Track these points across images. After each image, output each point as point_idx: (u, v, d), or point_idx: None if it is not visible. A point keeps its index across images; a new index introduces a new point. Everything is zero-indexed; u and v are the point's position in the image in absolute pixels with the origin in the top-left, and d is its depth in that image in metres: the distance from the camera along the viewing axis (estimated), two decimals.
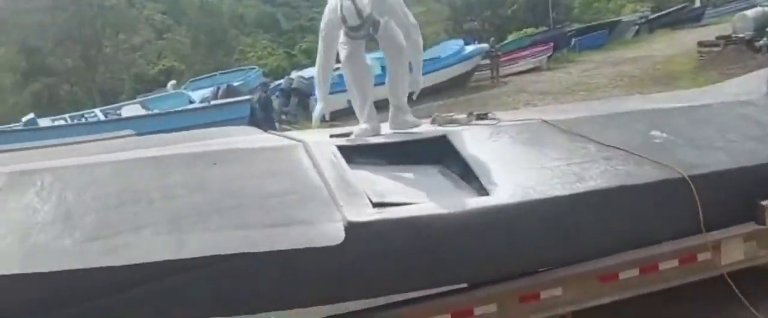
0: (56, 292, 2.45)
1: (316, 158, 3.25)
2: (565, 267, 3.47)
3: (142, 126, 11.71)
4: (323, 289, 2.87)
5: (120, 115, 14.19)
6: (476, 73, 21.69)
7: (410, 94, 4.11)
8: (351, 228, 2.81)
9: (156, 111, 13.69)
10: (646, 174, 3.54)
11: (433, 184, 3.39)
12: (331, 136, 3.61)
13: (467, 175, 3.43)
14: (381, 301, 3.23)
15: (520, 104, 15.63)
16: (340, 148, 3.39)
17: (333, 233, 2.78)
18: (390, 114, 3.97)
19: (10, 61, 36.01)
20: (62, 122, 14.33)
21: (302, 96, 16.61)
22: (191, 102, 15.69)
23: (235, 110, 13.00)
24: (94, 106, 21.37)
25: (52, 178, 2.83)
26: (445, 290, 3.31)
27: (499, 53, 21.75)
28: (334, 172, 3.18)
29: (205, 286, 2.60)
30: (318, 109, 3.99)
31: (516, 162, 3.49)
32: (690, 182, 3.50)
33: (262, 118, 13.33)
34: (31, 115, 14.47)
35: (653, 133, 3.92)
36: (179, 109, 14.03)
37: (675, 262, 3.61)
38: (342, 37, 3.75)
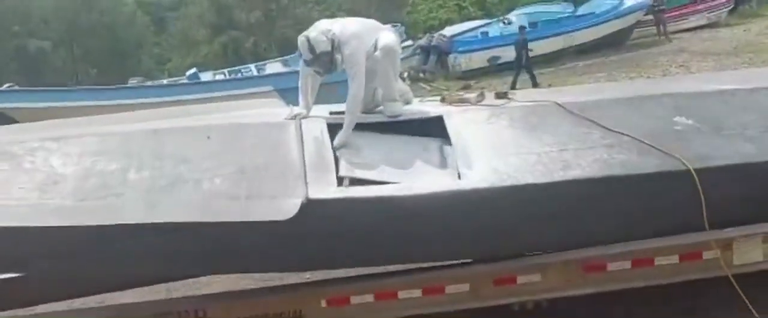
0: (44, 243, 2.98)
1: (304, 135, 3.48)
2: (547, 254, 3.46)
3: (281, 82, 12.56)
4: (279, 258, 3.16)
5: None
6: (639, 29, 20.25)
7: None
8: (309, 204, 3.03)
9: (294, 68, 14.57)
10: (644, 164, 3.35)
11: (415, 166, 3.48)
12: (331, 113, 3.81)
13: (451, 157, 3.48)
14: (350, 272, 3.48)
15: (672, 67, 14.48)
16: (332, 126, 3.58)
17: (288, 208, 3.02)
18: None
19: (203, 16, 39.56)
20: (221, 76, 15.75)
21: (441, 53, 16.71)
22: None
23: None
24: (273, 58, 23.03)
25: (73, 144, 3.36)
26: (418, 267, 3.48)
27: (663, 8, 20.01)
28: (315, 150, 3.39)
29: (162, 249, 2.99)
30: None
31: (503, 146, 3.47)
32: (695, 175, 3.27)
33: (517, 62, 14.74)
34: (194, 70, 16.07)
35: (677, 119, 3.65)
36: None
37: (674, 259, 3.43)
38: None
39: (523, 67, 15.01)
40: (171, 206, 3.05)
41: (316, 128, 3.55)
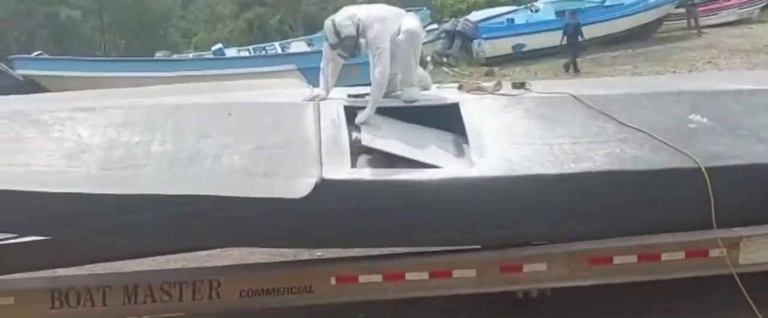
0: (69, 209, 3.11)
1: (321, 116, 3.56)
2: (554, 244, 3.53)
3: (305, 61, 12.67)
4: (292, 235, 3.26)
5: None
6: (670, 22, 19.99)
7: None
8: (322, 184, 3.13)
9: (318, 48, 14.66)
10: (655, 160, 3.39)
11: (429, 150, 3.55)
12: (349, 96, 3.88)
13: (465, 145, 3.54)
14: (358, 252, 3.58)
15: (699, 62, 14.32)
16: (349, 109, 3.65)
17: (302, 187, 3.11)
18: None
19: None
20: (246, 53, 15.91)
21: (465, 38, 16.69)
22: None
23: None
24: (298, 36, 23.09)
25: (100, 116, 3.47)
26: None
27: (697, 1, 19.70)
28: (331, 132, 3.48)
29: (180, 220, 3.11)
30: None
31: (516, 136, 3.52)
32: (705, 174, 3.30)
33: (567, 45, 14.89)
34: (219, 46, 16.25)
35: (692, 116, 3.67)
36: None
37: (681, 255, 3.48)
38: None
39: (570, 51, 14.97)
40: (191, 179, 3.16)
41: (333, 110, 3.62)
